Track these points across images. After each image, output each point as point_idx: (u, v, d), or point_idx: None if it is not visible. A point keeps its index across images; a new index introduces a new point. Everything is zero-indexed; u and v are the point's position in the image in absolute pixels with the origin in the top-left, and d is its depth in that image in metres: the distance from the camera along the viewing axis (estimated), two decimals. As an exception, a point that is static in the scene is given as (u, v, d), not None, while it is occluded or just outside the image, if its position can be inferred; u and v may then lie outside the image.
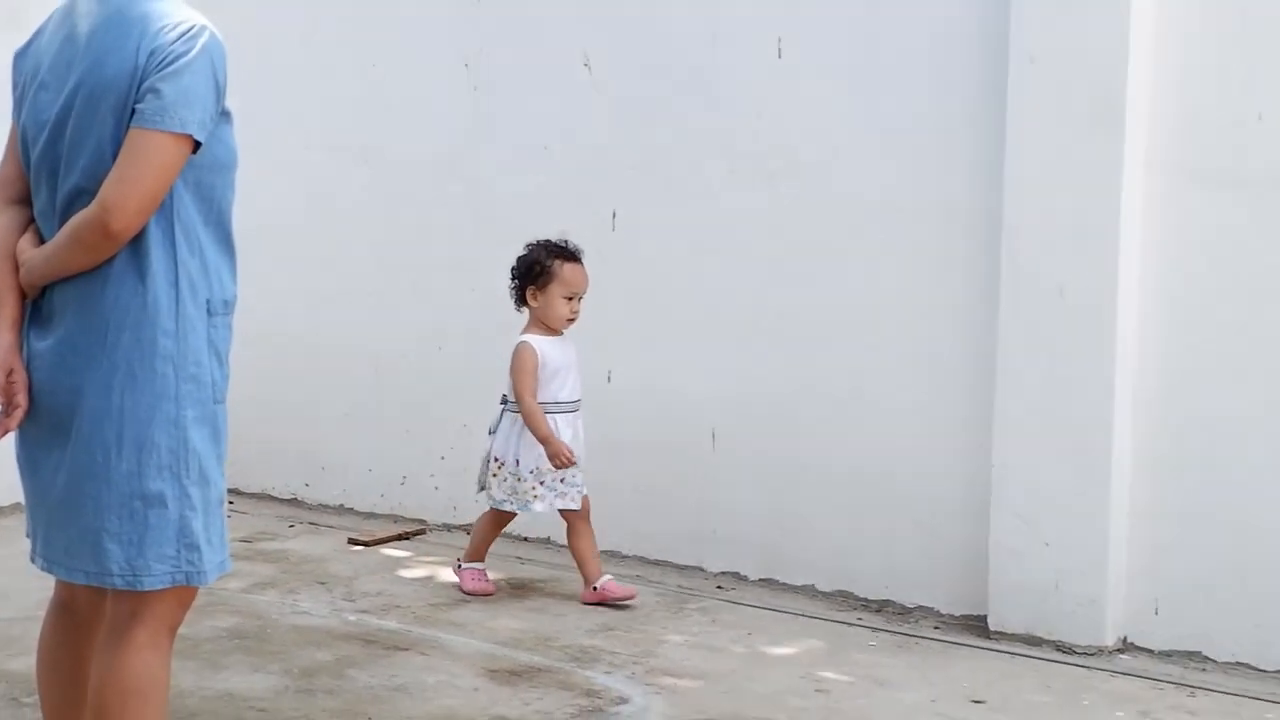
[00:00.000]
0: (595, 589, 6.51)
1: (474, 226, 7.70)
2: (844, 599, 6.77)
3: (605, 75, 7.31)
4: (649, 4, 7.17)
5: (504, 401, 6.65)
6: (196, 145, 3.55)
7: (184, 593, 3.68)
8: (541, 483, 6.52)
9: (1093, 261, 6.04)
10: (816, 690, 5.62)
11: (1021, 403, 6.21)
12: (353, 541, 7.54)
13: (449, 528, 7.81)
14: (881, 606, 6.68)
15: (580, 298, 6.59)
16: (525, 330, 6.61)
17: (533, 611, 6.50)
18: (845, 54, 6.68)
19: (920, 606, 6.61)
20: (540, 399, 6.47)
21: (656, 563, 7.26)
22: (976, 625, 6.39)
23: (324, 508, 8.21)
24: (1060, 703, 5.56)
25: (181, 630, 3.87)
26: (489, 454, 6.63)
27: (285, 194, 7.99)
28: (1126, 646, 6.20)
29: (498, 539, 6.88)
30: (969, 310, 6.40)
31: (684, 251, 7.13)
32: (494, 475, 6.60)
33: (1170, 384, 6.07)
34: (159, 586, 3.59)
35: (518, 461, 6.53)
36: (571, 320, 6.60)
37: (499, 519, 6.77)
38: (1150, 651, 6.14)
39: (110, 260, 3.56)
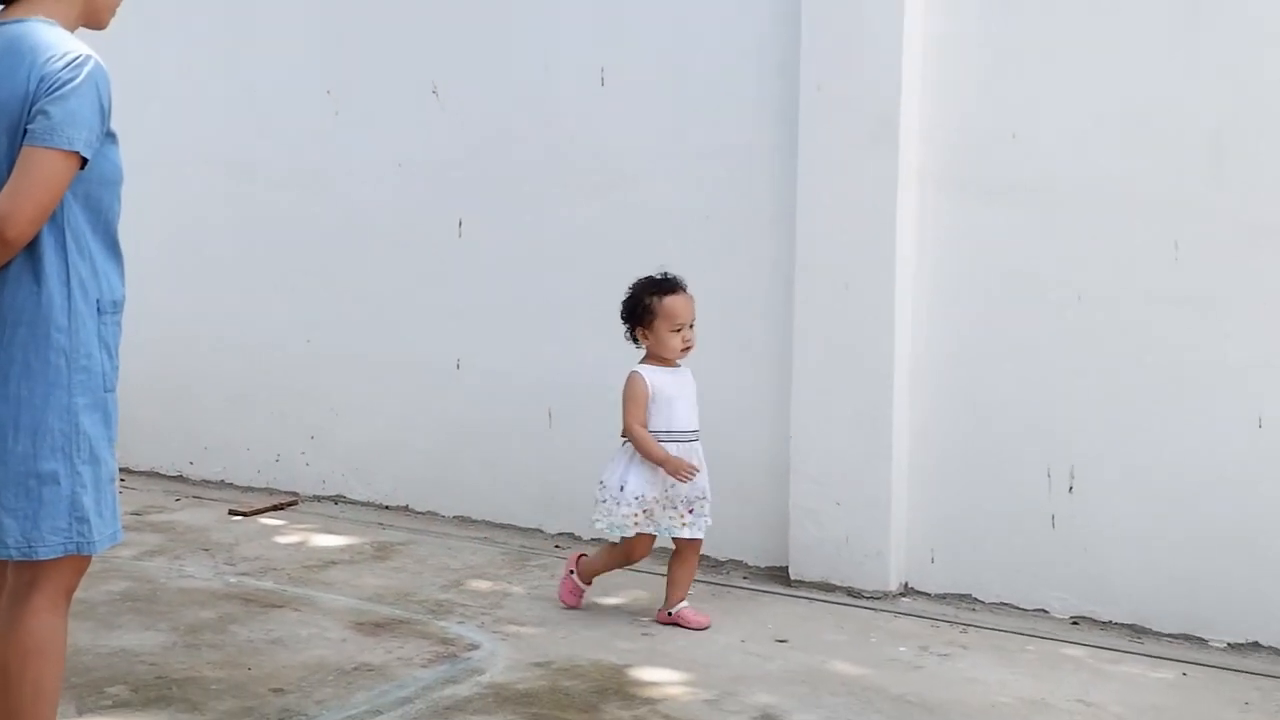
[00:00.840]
0: (670, 613, 5.73)
1: (335, 233, 7.67)
2: (666, 554, 6.76)
3: (451, 101, 7.28)
4: (489, 38, 7.15)
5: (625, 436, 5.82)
6: (84, 162, 3.47)
7: (78, 561, 3.61)
8: (645, 511, 5.66)
9: (874, 260, 6.10)
10: (642, 634, 5.63)
11: (815, 382, 6.26)
12: (233, 513, 7.47)
13: (319, 499, 7.79)
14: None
15: (690, 325, 5.76)
16: (642, 361, 5.83)
17: (393, 570, 6.46)
18: (659, 83, 6.69)
19: (731, 560, 6.65)
20: (654, 427, 5.67)
21: (502, 526, 7.25)
22: (779, 575, 6.45)
23: (206, 483, 8.15)
24: (851, 640, 5.62)
25: (78, 594, 3.82)
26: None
27: (169, 205, 7.90)
28: (907, 591, 6.27)
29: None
30: (769, 303, 6.45)
31: (523, 255, 7.12)
32: (597, 499, 5.77)
33: (941, 365, 6.15)
34: (53, 556, 3.52)
35: (621, 487, 5.69)
36: (686, 349, 5.76)
37: (626, 550, 5.84)
38: (928, 595, 6.23)
39: (8, 264, 3.49)
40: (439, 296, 7.39)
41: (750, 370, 6.53)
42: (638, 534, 5.71)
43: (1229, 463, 5.60)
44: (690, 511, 5.71)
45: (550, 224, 7.03)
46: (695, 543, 5.78)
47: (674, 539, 5.76)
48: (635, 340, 5.84)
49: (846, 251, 6.15)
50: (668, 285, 5.77)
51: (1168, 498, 5.70)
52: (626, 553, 5.82)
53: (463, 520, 7.37)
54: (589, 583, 5.94)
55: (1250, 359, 5.55)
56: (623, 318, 5.85)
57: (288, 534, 7.09)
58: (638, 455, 5.70)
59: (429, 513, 7.50)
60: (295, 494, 7.85)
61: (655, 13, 6.70)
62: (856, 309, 6.15)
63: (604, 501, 5.72)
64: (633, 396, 5.71)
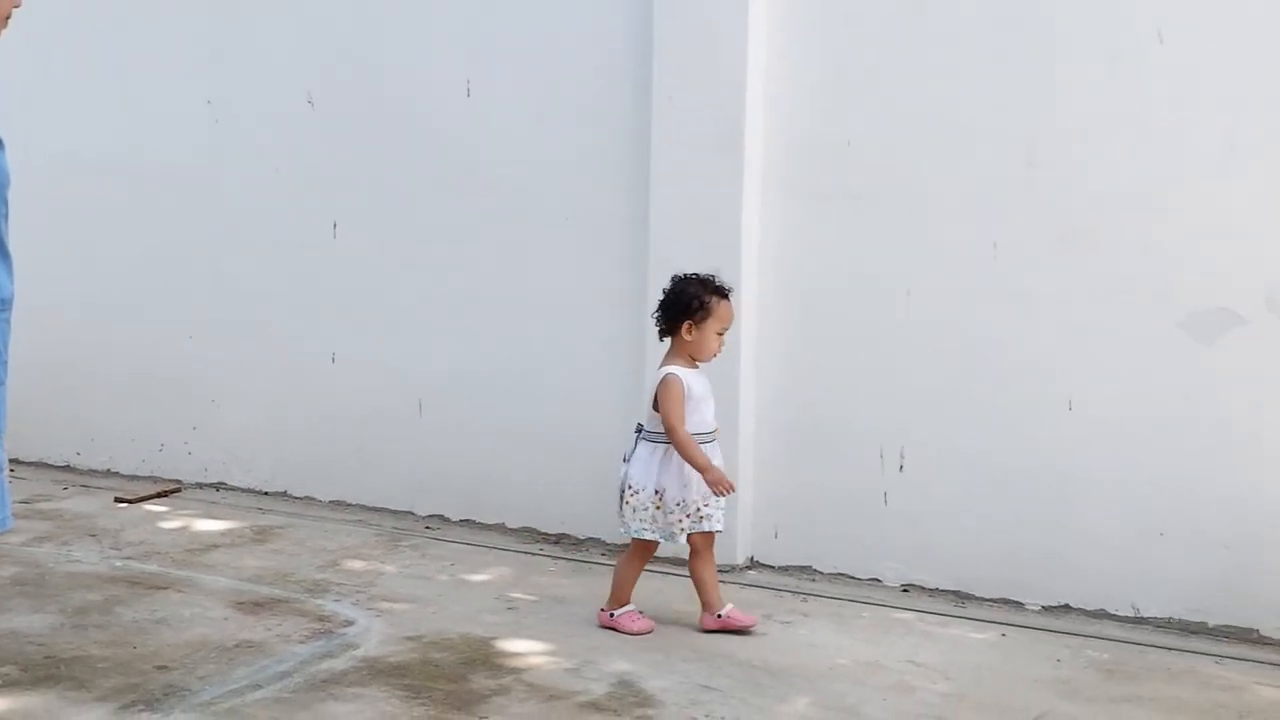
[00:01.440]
0: (720, 616, 5.41)
1: (217, 234, 7.59)
2: (529, 534, 6.82)
3: (326, 110, 7.24)
4: (361, 51, 7.11)
5: (639, 431, 5.47)
6: None
7: None
8: (687, 515, 5.36)
9: (722, 258, 6.10)
10: (508, 608, 5.65)
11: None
12: (118, 500, 7.35)
13: (201, 485, 7.71)
14: (559, 539, 6.74)
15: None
16: (668, 361, 5.41)
17: (272, 552, 6.41)
18: (523, 95, 6.70)
19: (591, 538, 6.69)
20: (688, 428, 5.31)
21: (375, 509, 7.22)
22: (635, 551, 6.49)
23: (93, 472, 8.02)
24: (702, 610, 5.67)
25: (-32, 579, 3.76)
26: (623, 481, 5.43)
27: (57, 208, 7.77)
28: (753, 564, 6.35)
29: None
30: (626, 299, 6.48)
31: (394, 255, 7.10)
32: (627, 503, 5.39)
33: (783, 355, 6.23)
34: None
35: (658, 493, 5.35)
36: (717, 354, 5.46)
37: (643, 553, 5.52)
38: (772, 567, 6.31)
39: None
40: (315, 294, 7.35)
41: (608, 360, 6.57)
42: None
43: (1042, 442, 5.74)
44: (705, 505, 5.37)
45: (420, 226, 7.02)
46: (711, 536, 5.44)
47: (689, 537, 5.38)
48: (670, 333, 5.42)
49: (696, 249, 6.17)
50: (724, 290, 5.42)
51: (988, 475, 5.83)
52: (647, 552, 5.52)
53: (338, 504, 7.34)
54: (629, 600, 5.51)
55: (1061, 348, 5.69)
56: (668, 309, 5.41)
57: (171, 519, 7.00)
58: (665, 455, 5.36)
59: (306, 497, 7.46)
60: (179, 481, 7.75)
61: (518, 30, 6.70)
62: (705, 304, 6.21)
63: (645, 509, 5.36)
64: (675, 398, 5.29)
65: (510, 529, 6.88)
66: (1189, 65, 5.42)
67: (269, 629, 5.31)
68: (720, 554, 6.20)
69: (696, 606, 5.51)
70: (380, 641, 5.19)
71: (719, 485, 5.26)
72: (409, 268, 7.06)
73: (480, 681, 4.80)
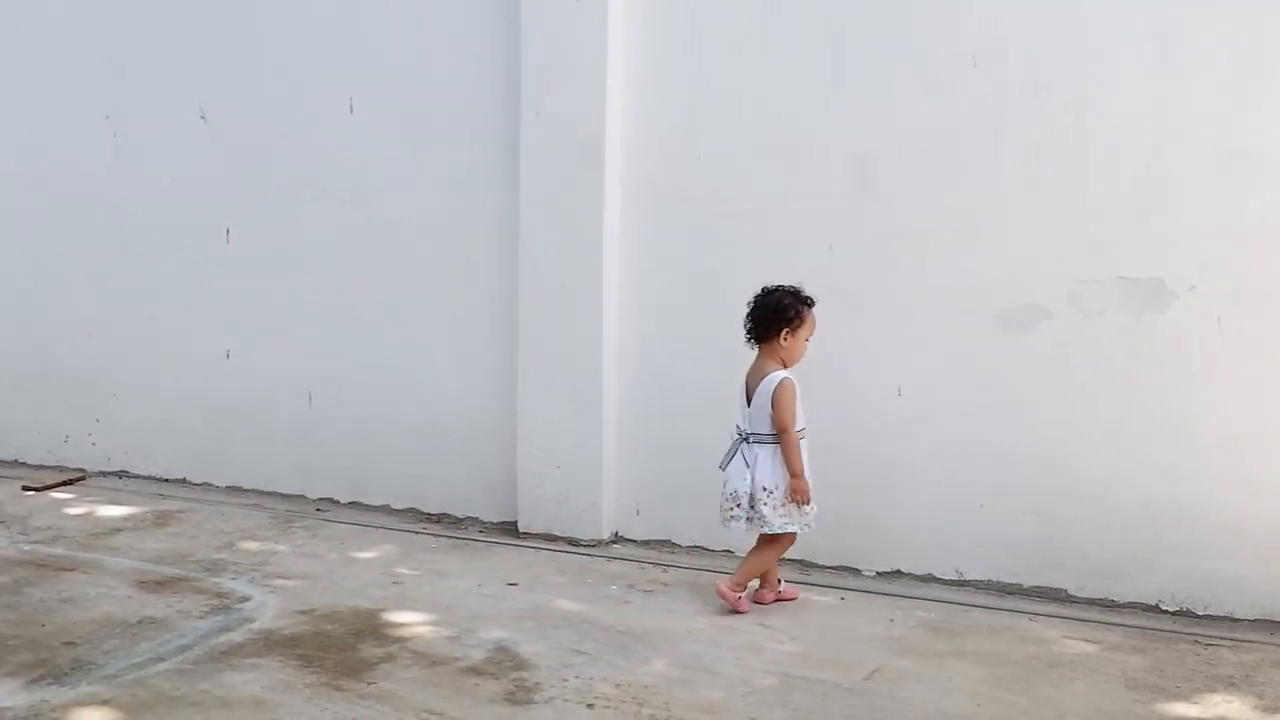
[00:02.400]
0: (779, 591, 5.38)
1: (117, 241, 7.44)
2: (413, 514, 6.75)
3: (218, 125, 7.10)
4: (250, 69, 6.98)
5: (746, 437, 5.26)
6: None
7: None
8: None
9: (585, 262, 6.14)
10: (393, 583, 5.58)
11: (537, 366, 6.29)
12: (25, 488, 7.18)
13: (105, 474, 7.55)
14: (440, 518, 6.68)
15: None
16: (766, 367, 5.23)
17: (173, 535, 6.27)
18: (402, 112, 6.62)
19: (469, 517, 6.63)
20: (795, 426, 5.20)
21: (269, 493, 7.11)
22: (510, 529, 6.45)
23: (1, 462, 7.81)
24: (571, 582, 5.66)
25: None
26: (751, 486, 5.20)
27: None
28: (618, 539, 6.34)
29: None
30: (500, 299, 6.44)
31: (284, 260, 6.99)
32: (765, 505, 5.18)
33: (640, 350, 6.22)
34: None
35: (779, 487, 5.20)
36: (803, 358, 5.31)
37: (780, 544, 5.33)
38: (635, 541, 6.30)
39: None
40: (210, 296, 7.21)
41: (483, 357, 6.52)
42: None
43: (874, 425, 5.80)
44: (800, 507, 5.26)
45: (307, 233, 6.91)
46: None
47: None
48: (764, 340, 5.25)
49: (562, 255, 6.18)
50: (812, 301, 5.29)
51: (826, 455, 5.85)
52: (782, 543, 5.34)
53: (234, 489, 7.21)
54: (766, 582, 5.41)
55: (890, 340, 5.75)
56: (764, 318, 5.25)
57: (77, 506, 6.83)
58: (778, 454, 5.21)
59: (204, 483, 7.31)
60: (83, 470, 7.57)
61: (398, 52, 6.61)
62: (571, 304, 6.19)
63: (784, 505, 5.19)
64: (793, 400, 5.15)
65: (395, 510, 6.80)
66: (998, 87, 5.51)
67: (170, 606, 5.19)
68: (588, 531, 6.24)
69: (568, 579, 5.47)
70: (275, 615, 5.10)
71: (802, 494, 5.17)
72: (298, 271, 6.95)
73: (368, 650, 4.73)
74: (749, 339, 5.31)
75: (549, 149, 6.17)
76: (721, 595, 5.29)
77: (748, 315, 5.31)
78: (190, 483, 7.35)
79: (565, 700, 4.32)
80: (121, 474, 7.51)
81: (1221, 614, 5.29)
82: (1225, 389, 5.24)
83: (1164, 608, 5.38)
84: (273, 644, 4.77)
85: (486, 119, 6.41)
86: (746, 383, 5.31)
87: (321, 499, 6.99)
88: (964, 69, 5.55)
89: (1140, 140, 5.29)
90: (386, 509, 6.82)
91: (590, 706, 4.28)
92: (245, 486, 7.20)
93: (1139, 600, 5.42)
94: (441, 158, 6.55)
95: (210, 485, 7.29)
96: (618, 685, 4.46)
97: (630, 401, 6.26)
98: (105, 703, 4.21)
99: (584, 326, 6.18)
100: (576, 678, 4.52)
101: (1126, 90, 5.30)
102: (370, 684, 4.42)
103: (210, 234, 7.16)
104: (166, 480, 7.40)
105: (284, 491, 7.09)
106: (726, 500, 5.29)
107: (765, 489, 5.22)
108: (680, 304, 6.14)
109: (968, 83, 5.56)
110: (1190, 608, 5.34)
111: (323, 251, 6.88)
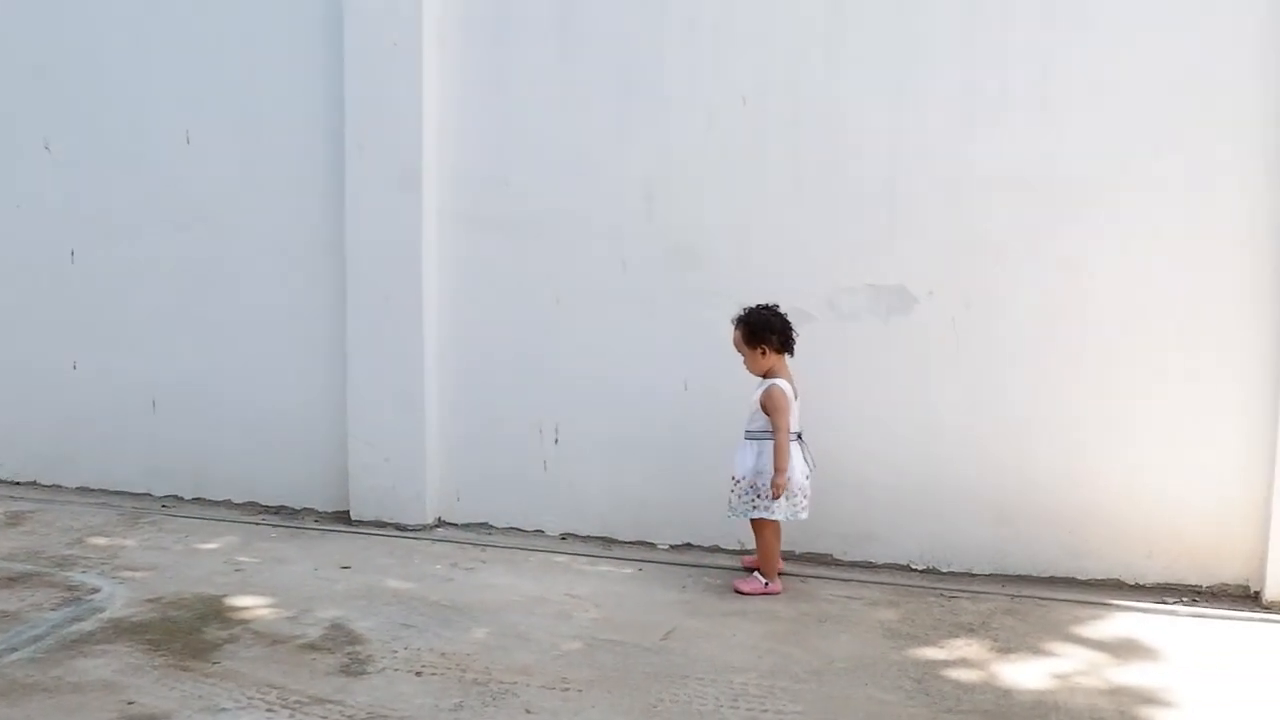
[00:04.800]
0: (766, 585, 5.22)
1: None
2: (253, 508, 6.57)
3: (61, 154, 6.80)
4: (91, 101, 6.71)
5: (755, 436, 5.18)
6: None
7: None
8: (806, 496, 5.21)
9: (406, 277, 6.07)
10: (235, 570, 5.43)
11: (365, 369, 6.19)
12: (-120, 495, 6.76)
13: (-41, 480, 7.17)
14: (279, 510, 6.52)
15: None
16: (763, 375, 5.19)
17: (25, 534, 5.99)
18: (235, 142, 6.44)
19: (305, 508, 6.49)
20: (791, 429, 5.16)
21: (116, 493, 6.84)
22: (343, 517, 6.34)
23: None
24: (399, 563, 5.59)
25: None
26: (758, 478, 5.15)
27: None
28: (441, 523, 6.28)
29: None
30: (325, 310, 6.32)
31: (126, 277, 6.74)
32: (732, 491, 5.20)
33: (458, 354, 6.17)
34: None
35: (745, 478, 5.19)
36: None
37: (764, 529, 5.21)
38: (456, 525, 6.25)
39: None
40: (57, 311, 6.90)
41: (316, 361, 6.39)
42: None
43: (665, 414, 5.86)
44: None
45: (147, 253, 6.67)
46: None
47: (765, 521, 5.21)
48: (756, 346, 5.19)
49: (385, 269, 6.10)
50: (785, 328, 5.24)
51: (624, 443, 5.92)
52: (769, 528, 5.25)
53: (83, 490, 6.91)
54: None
55: (678, 339, 5.81)
56: (767, 330, 5.18)
57: (-70, 510, 6.48)
58: (797, 451, 5.18)
59: (54, 485, 7.00)
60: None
61: (232, 88, 6.43)
62: (395, 313, 6.11)
63: (749, 494, 5.16)
64: (788, 406, 5.12)
65: (236, 504, 6.61)
66: (764, 122, 5.61)
67: (23, 600, 4.95)
68: (413, 516, 6.17)
69: (396, 560, 5.39)
70: (124, 604, 4.91)
71: (780, 488, 5.09)
72: (139, 288, 6.71)
73: (213, 633, 4.59)
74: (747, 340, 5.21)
75: (372, 176, 6.08)
76: (750, 593, 5.18)
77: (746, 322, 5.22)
78: (41, 485, 7.02)
79: (396, 670, 4.26)
80: (11, 483, 7.12)
81: (962, 570, 5.49)
82: (959, 379, 5.44)
83: (914, 566, 5.56)
84: (122, 631, 4.60)
85: (313, 149, 6.28)
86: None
87: (167, 496, 6.76)
88: (735, 107, 5.65)
89: (879, 168, 5.46)
90: (228, 504, 6.63)
91: (418, 674, 4.22)
92: (93, 487, 6.91)
93: (893, 561, 5.59)
94: (271, 184, 6.39)
95: (60, 487, 6.98)
96: (443, 654, 4.42)
97: (449, 401, 6.20)
98: (-38, 692, 4.01)
99: (406, 334, 6.10)
100: (405, 649, 4.46)
101: (869, 124, 5.46)
102: (215, 663, 4.29)
103: (56, 254, 6.86)
104: (18, 483, 7.06)
105: (131, 490, 6.83)
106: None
107: (734, 478, 5.22)
108: (493, 312, 6.10)
109: (739, 119, 5.65)
110: (935, 566, 5.53)
111: (164, 268, 6.65)
